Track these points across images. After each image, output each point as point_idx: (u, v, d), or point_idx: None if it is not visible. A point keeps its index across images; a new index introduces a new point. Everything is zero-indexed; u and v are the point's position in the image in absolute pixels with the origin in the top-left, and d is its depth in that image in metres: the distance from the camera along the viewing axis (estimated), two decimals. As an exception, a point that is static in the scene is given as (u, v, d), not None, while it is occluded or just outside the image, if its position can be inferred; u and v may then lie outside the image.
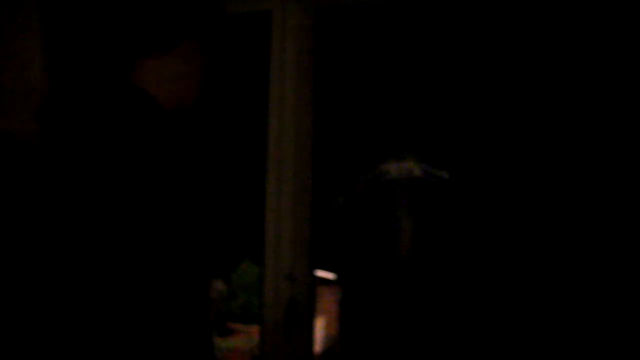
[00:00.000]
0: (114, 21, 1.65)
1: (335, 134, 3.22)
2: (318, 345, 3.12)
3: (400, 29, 3.10)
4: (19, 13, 2.98)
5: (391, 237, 2.94)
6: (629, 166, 2.58)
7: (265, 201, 2.91)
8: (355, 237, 3.07)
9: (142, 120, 1.52)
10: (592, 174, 2.63)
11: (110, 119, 1.51)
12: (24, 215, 1.51)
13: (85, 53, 1.75)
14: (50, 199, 1.48)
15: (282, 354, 2.81)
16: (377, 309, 2.86)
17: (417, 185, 2.92)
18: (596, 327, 2.55)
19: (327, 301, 3.16)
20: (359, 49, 3.21)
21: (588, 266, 2.59)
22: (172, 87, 1.66)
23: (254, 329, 3.28)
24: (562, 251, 2.65)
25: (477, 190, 2.86)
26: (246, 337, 3.37)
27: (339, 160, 3.29)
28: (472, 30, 2.95)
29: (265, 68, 2.97)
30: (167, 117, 1.57)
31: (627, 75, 2.60)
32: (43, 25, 2.95)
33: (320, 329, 3.16)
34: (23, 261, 1.51)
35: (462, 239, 2.84)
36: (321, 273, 2.98)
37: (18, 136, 2.89)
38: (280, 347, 2.82)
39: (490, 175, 2.84)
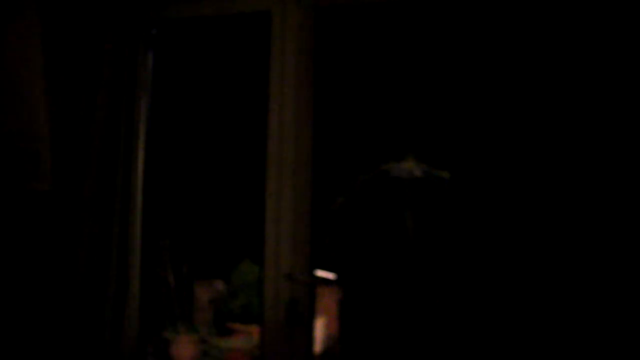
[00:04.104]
0: None
1: (335, 134, 3.22)
2: (318, 345, 3.12)
3: (400, 29, 3.10)
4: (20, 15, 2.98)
5: (391, 237, 2.94)
6: (628, 166, 2.58)
7: (265, 201, 2.91)
8: (355, 237, 3.07)
9: None
10: (591, 173, 2.63)
11: None
12: None
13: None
14: None
15: (282, 354, 2.81)
16: (377, 309, 2.86)
17: (418, 185, 2.92)
18: (594, 323, 2.55)
19: (327, 301, 3.16)
20: (359, 49, 3.21)
21: (586, 264, 2.59)
22: None
23: (254, 329, 3.28)
24: (559, 249, 2.65)
25: (477, 190, 2.86)
26: (246, 337, 3.37)
27: (339, 160, 3.29)
28: (471, 30, 2.95)
29: (265, 68, 2.98)
30: None
31: (627, 75, 2.60)
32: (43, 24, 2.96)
33: (320, 329, 3.16)
34: None
35: (462, 238, 2.84)
36: (321, 273, 2.98)
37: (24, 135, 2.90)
38: (280, 347, 2.82)
39: (490, 175, 2.84)
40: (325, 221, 3.05)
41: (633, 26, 2.59)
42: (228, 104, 3.76)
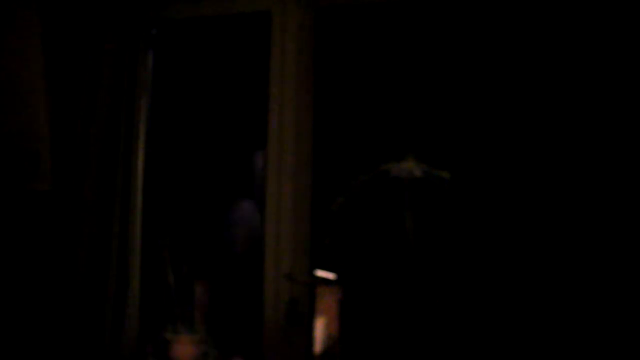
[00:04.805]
0: None
1: (335, 134, 3.21)
2: (318, 345, 3.12)
3: (401, 29, 3.10)
4: (20, 13, 2.98)
5: (391, 237, 2.94)
6: (628, 166, 2.58)
7: (265, 201, 2.91)
8: (355, 237, 3.07)
9: None
10: (590, 174, 2.63)
11: None
12: None
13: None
14: None
15: (282, 354, 2.81)
16: (377, 309, 2.86)
17: (418, 186, 2.92)
18: (593, 323, 2.54)
19: (327, 301, 3.16)
20: (359, 49, 3.21)
21: (585, 264, 2.59)
22: None
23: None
24: (559, 249, 2.65)
25: (477, 191, 2.86)
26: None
27: (339, 160, 3.29)
28: (471, 30, 2.95)
29: (265, 68, 2.97)
30: None
31: (627, 75, 2.60)
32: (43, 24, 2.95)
33: (320, 329, 3.16)
34: None
35: (462, 238, 2.84)
36: (321, 273, 2.98)
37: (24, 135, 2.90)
38: (280, 347, 2.82)
39: (490, 175, 2.84)
40: (325, 221, 3.05)
41: (631, 27, 2.59)
42: (228, 104, 3.75)
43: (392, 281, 2.84)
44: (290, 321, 2.81)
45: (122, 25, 3.05)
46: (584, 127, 2.66)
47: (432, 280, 2.83)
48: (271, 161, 2.92)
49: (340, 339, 2.98)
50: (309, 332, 2.91)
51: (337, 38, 3.18)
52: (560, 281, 2.64)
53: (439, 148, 2.98)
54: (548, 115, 2.74)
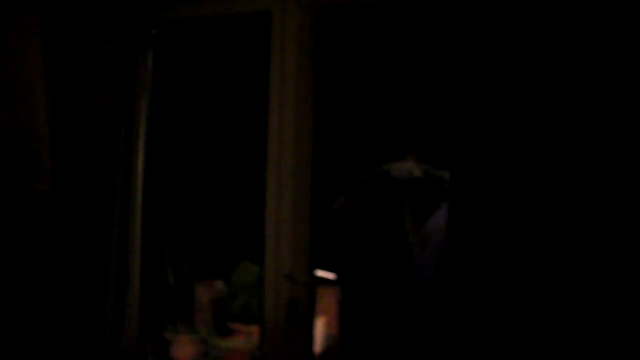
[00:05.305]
0: None
1: (335, 134, 3.22)
2: (318, 345, 3.12)
3: (400, 29, 3.11)
4: (20, 13, 2.98)
5: (392, 237, 2.94)
6: (628, 166, 2.57)
7: (265, 201, 2.92)
8: (355, 237, 3.07)
9: None
10: (592, 174, 2.63)
11: None
12: None
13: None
14: None
15: (282, 354, 2.81)
16: (376, 309, 2.86)
17: (418, 185, 2.93)
18: (596, 325, 2.54)
19: (327, 301, 3.16)
20: (358, 49, 3.21)
21: (587, 266, 2.59)
22: None
23: (254, 329, 3.28)
24: (562, 250, 2.65)
25: (477, 191, 2.85)
26: (246, 337, 3.38)
27: (339, 160, 3.29)
28: (471, 30, 2.95)
29: (265, 68, 2.98)
30: None
31: (627, 75, 2.60)
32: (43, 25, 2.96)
33: (320, 329, 3.16)
34: None
35: (461, 238, 2.84)
36: (321, 273, 2.98)
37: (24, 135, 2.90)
38: (280, 347, 2.82)
39: (491, 175, 2.84)
40: (325, 222, 3.05)
41: (632, 26, 2.59)
42: (228, 104, 3.76)
43: (391, 282, 2.85)
44: (290, 321, 2.81)
45: (122, 25, 3.05)
46: (584, 129, 2.66)
47: (431, 280, 2.82)
48: (271, 161, 2.92)
49: (341, 338, 2.98)
50: (309, 332, 2.91)
51: (337, 38, 3.19)
52: (562, 283, 2.63)
53: (439, 148, 2.98)
54: (549, 116, 2.74)
